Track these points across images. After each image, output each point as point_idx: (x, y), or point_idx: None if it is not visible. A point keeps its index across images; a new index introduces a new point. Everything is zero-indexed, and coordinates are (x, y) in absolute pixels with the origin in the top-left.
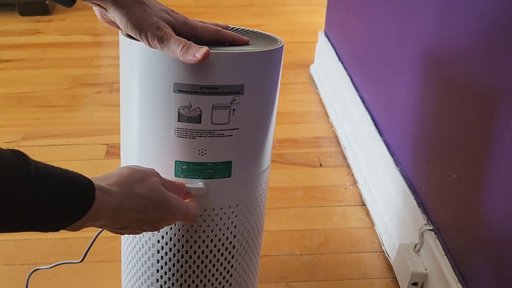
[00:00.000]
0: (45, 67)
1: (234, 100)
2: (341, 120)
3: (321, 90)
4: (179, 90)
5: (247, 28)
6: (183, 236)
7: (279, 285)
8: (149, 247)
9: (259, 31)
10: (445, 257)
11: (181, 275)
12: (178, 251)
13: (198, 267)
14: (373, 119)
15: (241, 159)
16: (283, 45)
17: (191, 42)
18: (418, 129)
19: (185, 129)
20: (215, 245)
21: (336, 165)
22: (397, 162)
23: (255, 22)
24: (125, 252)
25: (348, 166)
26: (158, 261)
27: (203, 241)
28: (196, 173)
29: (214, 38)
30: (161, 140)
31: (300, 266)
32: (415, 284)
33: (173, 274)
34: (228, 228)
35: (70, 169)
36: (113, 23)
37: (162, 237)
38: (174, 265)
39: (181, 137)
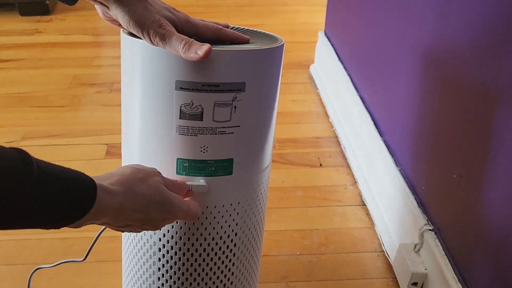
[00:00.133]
0: (45, 67)
1: (236, 97)
2: (341, 120)
3: (321, 90)
4: (181, 88)
5: (247, 27)
6: (184, 234)
7: (279, 285)
8: (150, 245)
9: (259, 30)
10: (445, 257)
11: (183, 273)
12: (180, 249)
13: (199, 265)
14: (373, 119)
15: (243, 156)
16: (283, 43)
17: (193, 39)
18: (418, 129)
19: (187, 126)
20: (216, 243)
21: (336, 165)
22: (397, 162)
23: (255, 22)
24: (126, 251)
25: (348, 166)
26: (159, 259)
27: (205, 239)
28: (198, 171)
29: (215, 36)
30: (162, 138)
31: (300, 266)
32: (415, 284)
33: (175, 273)
34: (229, 225)
35: None
36: (115, 21)
37: (164, 235)
38: (175, 263)
39: (183, 134)
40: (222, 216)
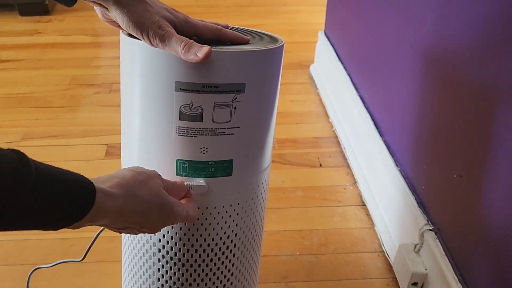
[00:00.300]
0: (44, 67)
1: (236, 98)
2: (341, 120)
3: (321, 90)
4: (180, 89)
5: (247, 28)
6: (184, 234)
7: (278, 285)
8: (150, 246)
9: (259, 30)
10: (445, 257)
11: (182, 274)
12: (179, 249)
13: (199, 265)
14: (373, 119)
15: (242, 157)
16: (283, 44)
17: (192, 41)
18: (418, 129)
19: (187, 127)
20: (216, 244)
21: (336, 165)
22: (397, 162)
23: (255, 22)
24: (126, 251)
25: (348, 166)
26: (159, 260)
27: (204, 240)
28: (198, 172)
29: (215, 37)
30: (162, 139)
31: (300, 266)
32: (415, 284)
33: (174, 273)
34: (229, 226)
35: (70, 169)
36: (114, 23)
37: (163, 236)
38: (175, 264)
39: (182, 135)
40: (222, 217)
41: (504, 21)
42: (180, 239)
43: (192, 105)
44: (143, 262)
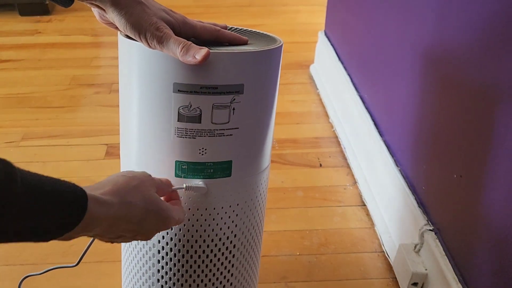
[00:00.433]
0: (44, 67)
1: (234, 99)
2: (341, 120)
3: (321, 90)
4: (179, 90)
5: (245, 28)
6: (184, 235)
7: (278, 285)
8: (149, 247)
9: (258, 30)
10: (445, 257)
11: (182, 275)
12: (179, 250)
13: (199, 266)
14: (373, 119)
15: (241, 158)
16: (282, 44)
17: (190, 42)
18: (418, 129)
19: (185, 129)
20: (215, 245)
21: (336, 165)
22: (397, 162)
23: (255, 22)
24: (126, 252)
25: (348, 166)
26: (159, 261)
27: (204, 241)
28: (197, 173)
29: (213, 38)
30: (161, 140)
31: (299, 266)
32: (415, 284)
33: (174, 274)
34: (228, 227)
35: (70, 169)
36: (111, 24)
37: (163, 237)
38: (175, 265)
39: (181, 137)
40: (221, 218)
41: (504, 21)
42: (180, 240)
43: (190, 107)
44: (143, 263)
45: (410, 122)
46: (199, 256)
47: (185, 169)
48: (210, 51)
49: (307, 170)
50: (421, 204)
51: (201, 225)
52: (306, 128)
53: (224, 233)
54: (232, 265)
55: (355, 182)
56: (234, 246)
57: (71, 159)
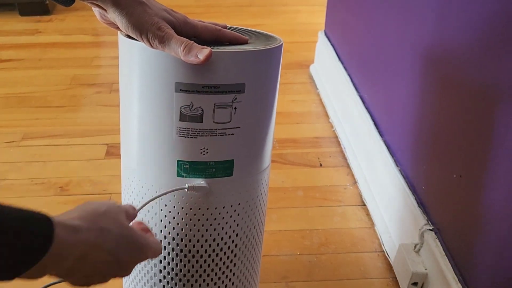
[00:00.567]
0: (44, 67)
1: (236, 98)
2: (341, 120)
3: (321, 90)
4: (180, 90)
5: (245, 28)
6: (185, 235)
7: (278, 285)
8: None
9: (258, 30)
10: (445, 257)
11: (184, 275)
12: (181, 250)
13: (201, 266)
14: (373, 119)
15: (243, 157)
16: (282, 44)
17: (193, 42)
18: (418, 129)
19: (187, 128)
20: (217, 244)
21: (336, 165)
22: (397, 162)
23: (255, 22)
24: None
25: (348, 166)
26: (160, 261)
27: (206, 240)
28: (198, 172)
29: (214, 37)
30: (163, 140)
31: (300, 266)
32: (415, 284)
33: (176, 274)
34: (230, 226)
35: (70, 169)
36: (112, 24)
37: (165, 237)
38: (177, 265)
39: (183, 136)
40: (223, 217)
41: (504, 21)
42: (182, 240)
43: (192, 106)
44: (145, 263)
45: (410, 122)
46: (201, 256)
47: (187, 168)
48: (212, 50)
49: (307, 170)
50: (421, 204)
51: (202, 225)
52: (306, 128)
53: (226, 233)
54: (234, 265)
55: (355, 182)
56: (236, 245)
57: (71, 159)
